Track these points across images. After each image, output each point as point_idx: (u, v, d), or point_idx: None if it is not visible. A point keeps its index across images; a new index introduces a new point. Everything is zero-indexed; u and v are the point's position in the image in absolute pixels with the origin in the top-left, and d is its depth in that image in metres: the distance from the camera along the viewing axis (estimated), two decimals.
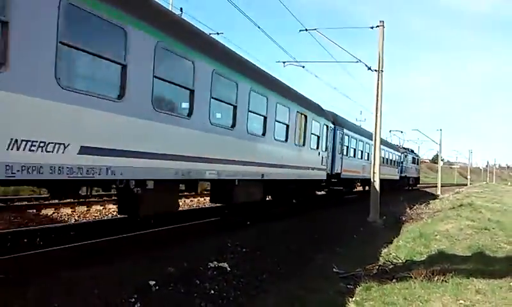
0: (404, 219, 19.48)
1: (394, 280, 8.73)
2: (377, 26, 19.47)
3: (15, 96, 5.54)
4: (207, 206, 17.94)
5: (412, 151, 56.62)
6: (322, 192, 23.89)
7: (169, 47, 8.64)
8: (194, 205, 19.06)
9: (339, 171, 22.65)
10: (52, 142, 6.06)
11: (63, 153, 6.21)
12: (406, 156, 48.97)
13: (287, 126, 15.11)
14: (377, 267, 10.05)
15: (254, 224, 13.63)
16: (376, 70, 19.67)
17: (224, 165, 10.92)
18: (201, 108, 9.74)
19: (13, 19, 5.44)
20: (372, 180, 19.89)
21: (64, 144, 6.25)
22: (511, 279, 8.37)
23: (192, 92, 9.39)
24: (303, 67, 21.76)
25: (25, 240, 9.63)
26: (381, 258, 11.23)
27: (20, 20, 5.54)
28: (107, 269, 7.00)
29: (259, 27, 16.10)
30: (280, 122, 14.49)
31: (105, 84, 7.60)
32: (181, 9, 18.13)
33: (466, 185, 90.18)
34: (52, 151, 6.07)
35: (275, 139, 14.21)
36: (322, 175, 19.97)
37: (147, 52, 8.02)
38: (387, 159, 37.23)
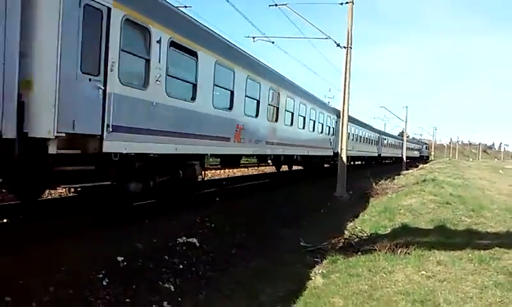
0: (370, 194, 19.92)
1: (359, 253, 8.98)
2: (347, 2, 19.50)
3: None
4: None
5: (425, 143, 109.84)
6: None
7: None
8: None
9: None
10: None
11: None
12: (422, 146, 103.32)
13: None
14: (343, 240, 10.30)
15: (223, 201, 13.66)
16: (344, 47, 19.78)
17: None
18: None
19: None
20: (339, 155, 20.17)
21: None
22: (470, 251, 8.73)
23: None
24: (273, 43, 21.49)
25: None
26: (347, 232, 11.50)
27: None
28: (75, 246, 6.91)
29: (228, 1, 15.68)
30: None
31: None
32: None
33: (430, 161, 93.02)
34: None
35: None
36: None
37: None
38: (413, 148, 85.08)
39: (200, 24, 11.55)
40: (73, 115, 7.19)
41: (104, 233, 7.93)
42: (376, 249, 8.85)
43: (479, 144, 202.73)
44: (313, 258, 9.14)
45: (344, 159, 19.95)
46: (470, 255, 8.48)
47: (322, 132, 24.20)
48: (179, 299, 6.51)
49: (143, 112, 8.95)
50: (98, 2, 7.52)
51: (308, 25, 41.78)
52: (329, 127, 25.96)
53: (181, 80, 10.54)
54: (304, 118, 20.89)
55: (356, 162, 43.47)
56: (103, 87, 7.74)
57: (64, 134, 7.03)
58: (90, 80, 7.53)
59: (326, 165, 27.60)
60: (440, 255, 8.51)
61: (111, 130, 7.97)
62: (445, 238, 10.05)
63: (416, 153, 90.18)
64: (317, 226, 12.34)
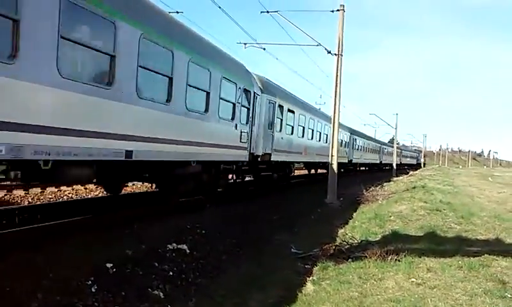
0: (360, 200, 19.97)
1: (350, 259, 8.97)
2: (338, 10, 19.63)
3: None
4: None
5: (421, 151, 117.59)
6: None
7: None
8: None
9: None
10: None
11: None
12: (418, 153, 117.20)
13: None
14: (333, 247, 10.27)
15: (214, 207, 13.62)
16: (335, 54, 19.87)
17: None
18: None
19: None
20: (330, 162, 20.21)
21: None
22: (460, 258, 8.76)
23: None
24: (264, 49, 21.67)
25: None
26: (337, 238, 11.48)
27: None
28: (63, 252, 6.84)
29: (220, 7, 15.80)
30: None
31: None
32: None
33: (420, 167, 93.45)
34: None
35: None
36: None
37: None
38: (411, 156, 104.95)
39: (296, 96, 23.64)
40: (265, 145, 17.34)
41: (92, 239, 7.87)
42: (366, 256, 8.85)
43: (469, 151, 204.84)
44: (304, 264, 9.11)
45: (335, 167, 19.99)
46: (459, 262, 8.50)
47: (341, 146, 33.34)
48: (168, 306, 6.46)
49: (280, 142, 19.30)
50: (273, 99, 18.03)
51: (299, 32, 41.92)
52: (346, 142, 38.26)
53: (290, 125, 21.09)
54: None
55: (361, 168, 53.14)
56: (272, 133, 18.12)
57: (263, 153, 17.05)
58: (269, 130, 17.76)
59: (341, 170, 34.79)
60: (430, 262, 8.53)
61: (274, 151, 18.42)
62: (435, 245, 10.08)
63: (413, 161, 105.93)
64: (308, 232, 12.32)
